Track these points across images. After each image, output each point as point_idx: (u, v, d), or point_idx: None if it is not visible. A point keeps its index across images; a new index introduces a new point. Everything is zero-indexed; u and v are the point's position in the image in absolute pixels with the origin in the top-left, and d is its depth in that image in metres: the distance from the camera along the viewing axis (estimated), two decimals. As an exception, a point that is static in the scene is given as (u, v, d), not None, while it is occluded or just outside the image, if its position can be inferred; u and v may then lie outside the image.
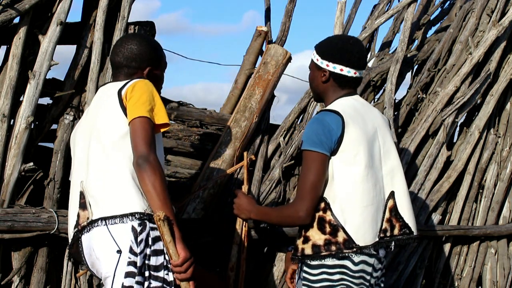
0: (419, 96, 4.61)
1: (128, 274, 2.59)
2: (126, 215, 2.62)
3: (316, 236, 2.87)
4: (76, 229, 2.75)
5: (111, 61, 2.96)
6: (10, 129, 3.39)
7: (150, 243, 2.63)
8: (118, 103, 2.72)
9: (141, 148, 2.61)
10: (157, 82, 2.96)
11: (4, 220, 3.28)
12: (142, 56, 2.90)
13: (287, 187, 4.18)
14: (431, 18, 4.95)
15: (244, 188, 3.39)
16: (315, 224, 2.88)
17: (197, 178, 3.86)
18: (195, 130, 4.00)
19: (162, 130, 2.78)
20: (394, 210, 2.99)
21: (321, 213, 2.88)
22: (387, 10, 4.66)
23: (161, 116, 2.72)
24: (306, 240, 2.90)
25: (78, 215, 2.74)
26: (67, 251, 3.48)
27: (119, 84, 2.81)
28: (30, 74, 3.39)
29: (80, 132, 2.89)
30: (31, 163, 3.43)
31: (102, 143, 2.72)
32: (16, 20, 3.44)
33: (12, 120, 3.42)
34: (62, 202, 3.54)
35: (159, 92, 2.94)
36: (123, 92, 2.73)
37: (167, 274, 2.63)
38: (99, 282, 3.55)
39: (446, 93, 4.49)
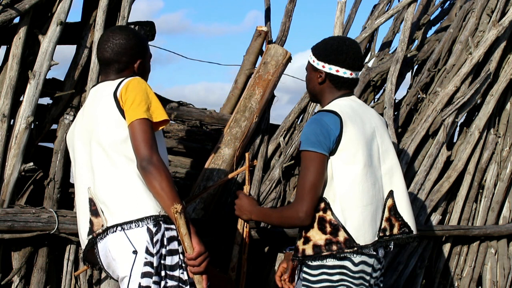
0: (419, 96, 4.61)
1: (145, 274, 2.61)
2: (142, 219, 2.63)
3: (317, 236, 2.87)
4: (91, 235, 2.74)
5: (99, 58, 2.89)
6: (10, 129, 3.39)
7: (165, 243, 2.64)
8: (116, 106, 2.70)
9: (143, 151, 2.60)
10: (146, 73, 2.94)
11: (4, 220, 3.29)
12: (132, 50, 2.85)
13: (287, 187, 4.18)
14: (431, 18, 4.95)
15: (246, 188, 3.39)
16: (315, 225, 2.88)
17: (197, 178, 3.86)
18: (195, 130, 4.00)
19: (161, 127, 2.75)
20: (393, 209, 3.00)
21: (321, 213, 2.88)
22: (387, 10, 4.66)
23: (158, 114, 2.70)
24: (307, 240, 2.89)
25: (91, 222, 2.73)
26: (67, 251, 3.49)
27: (112, 84, 2.77)
28: (30, 74, 3.39)
29: (78, 135, 2.86)
30: (31, 163, 3.43)
31: (104, 148, 2.70)
32: (16, 20, 3.44)
33: (12, 120, 3.42)
34: (62, 202, 3.54)
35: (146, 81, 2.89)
36: (118, 95, 2.70)
37: (182, 273, 2.65)
38: (98, 278, 3.56)
39: (446, 93, 4.49)
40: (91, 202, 2.74)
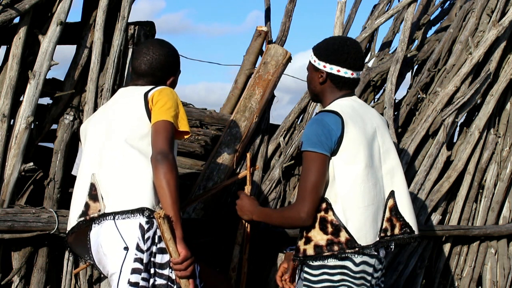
0: (419, 96, 4.61)
1: (134, 271, 2.64)
2: (136, 210, 2.66)
3: (318, 236, 2.87)
4: (83, 218, 2.77)
5: (134, 67, 2.97)
6: (10, 129, 3.39)
7: (156, 241, 2.68)
8: (144, 105, 2.79)
9: (162, 145, 2.67)
10: (173, 87, 3.04)
11: (4, 220, 3.29)
12: (169, 67, 2.97)
13: (287, 187, 4.18)
14: (431, 18, 4.95)
15: (247, 189, 3.39)
16: (316, 225, 2.88)
17: (197, 178, 3.86)
18: (195, 130, 4.00)
19: (180, 137, 2.87)
20: (394, 209, 2.99)
21: (322, 213, 2.88)
22: (387, 10, 4.66)
23: (183, 124, 2.81)
24: (308, 240, 2.89)
25: (87, 205, 2.77)
26: (67, 251, 3.48)
27: (145, 88, 2.87)
28: (30, 74, 3.39)
29: (93, 126, 2.93)
30: (31, 163, 3.43)
31: (120, 140, 2.76)
32: (16, 20, 3.44)
33: (12, 120, 3.42)
34: (62, 202, 3.54)
35: None
36: (149, 95, 2.80)
37: (171, 272, 2.67)
38: (98, 277, 3.56)
39: (446, 93, 4.49)
40: (92, 187, 2.78)
